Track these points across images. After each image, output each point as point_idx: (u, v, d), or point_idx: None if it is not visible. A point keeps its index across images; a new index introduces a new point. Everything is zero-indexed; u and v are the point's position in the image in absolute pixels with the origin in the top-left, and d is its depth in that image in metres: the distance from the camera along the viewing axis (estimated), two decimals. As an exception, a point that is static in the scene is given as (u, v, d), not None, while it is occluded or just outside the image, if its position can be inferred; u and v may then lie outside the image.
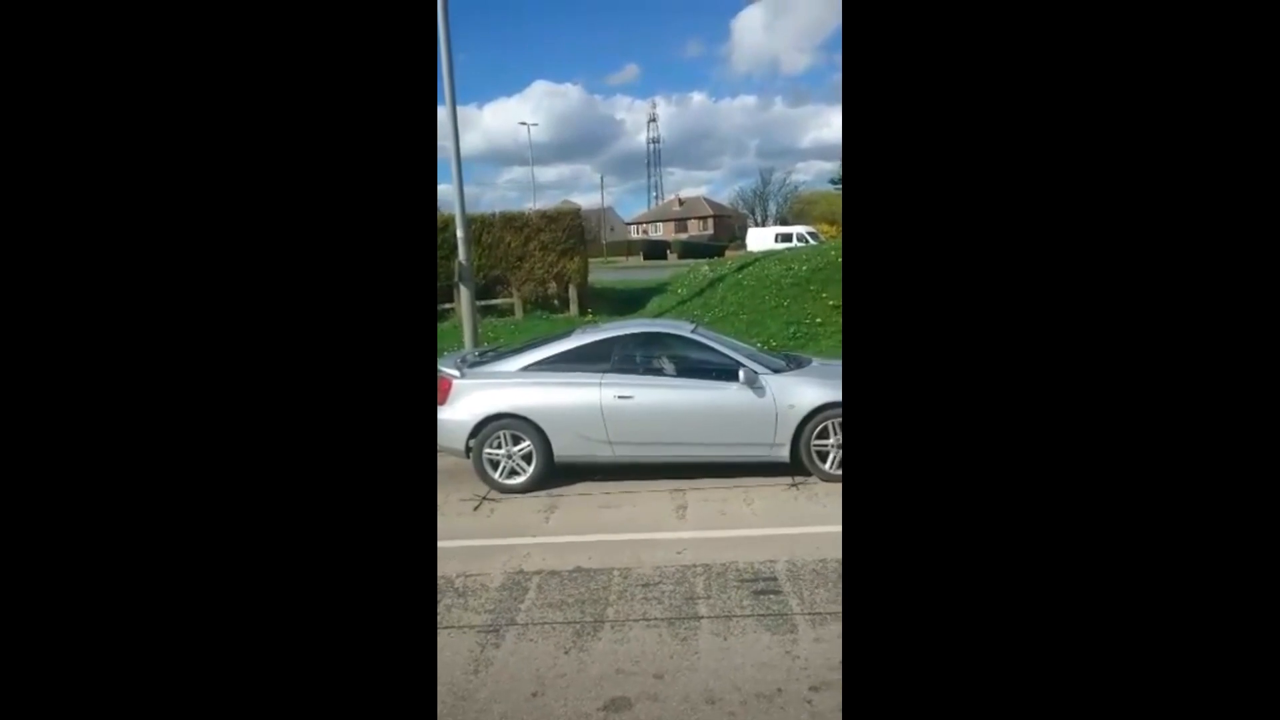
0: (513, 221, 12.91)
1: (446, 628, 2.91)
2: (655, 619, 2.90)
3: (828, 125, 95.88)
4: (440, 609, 3.07)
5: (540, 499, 4.47)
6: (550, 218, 13.14)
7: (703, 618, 2.89)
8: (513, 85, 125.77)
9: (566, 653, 2.69)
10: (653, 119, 73.32)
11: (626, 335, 4.94)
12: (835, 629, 2.74)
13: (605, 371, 4.63)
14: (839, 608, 2.89)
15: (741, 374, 4.47)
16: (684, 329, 5.11)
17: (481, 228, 12.45)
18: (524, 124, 68.83)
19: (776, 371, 4.62)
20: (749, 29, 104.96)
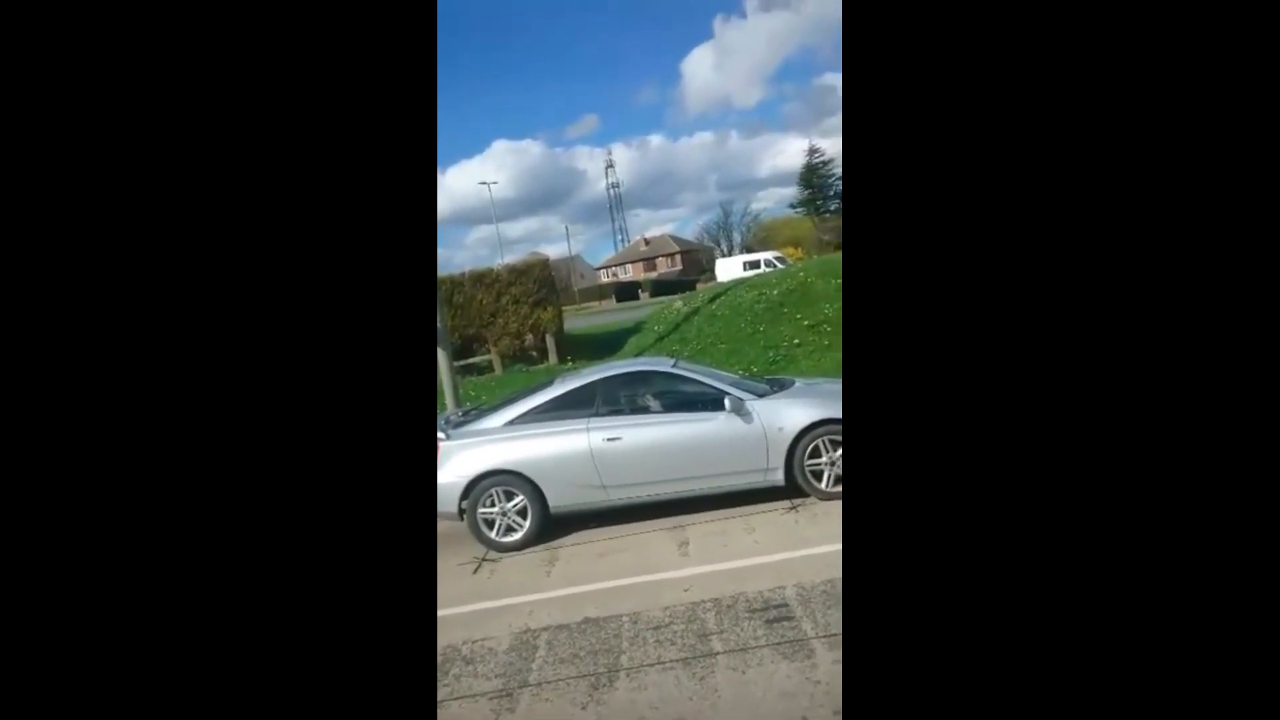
0: (482, 279, 12.95)
1: (458, 698, 2.81)
2: (670, 661, 2.83)
3: (782, 153, 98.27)
4: (449, 678, 2.98)
5: (540, 553, 4.39)
6: (519, 271, 13.21)
7: (718, 654, 2.83)
8: (473, 146, 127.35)
9: (584, 708, 2.61)
10: (610, 165, 74.93)
11: (608, 377, 4.93)
12: (853, 648, 2.69)
13: (591, 416, 4.61)
14: (854, 626, 2.85)
15: (727, 402, 4.47)
16: (664, 364, 5.12)
17: (452, 288, 12.47)
18: (484, 183, 69.65)
19: (761, 396, 4.63)
20: (698, 70, 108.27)
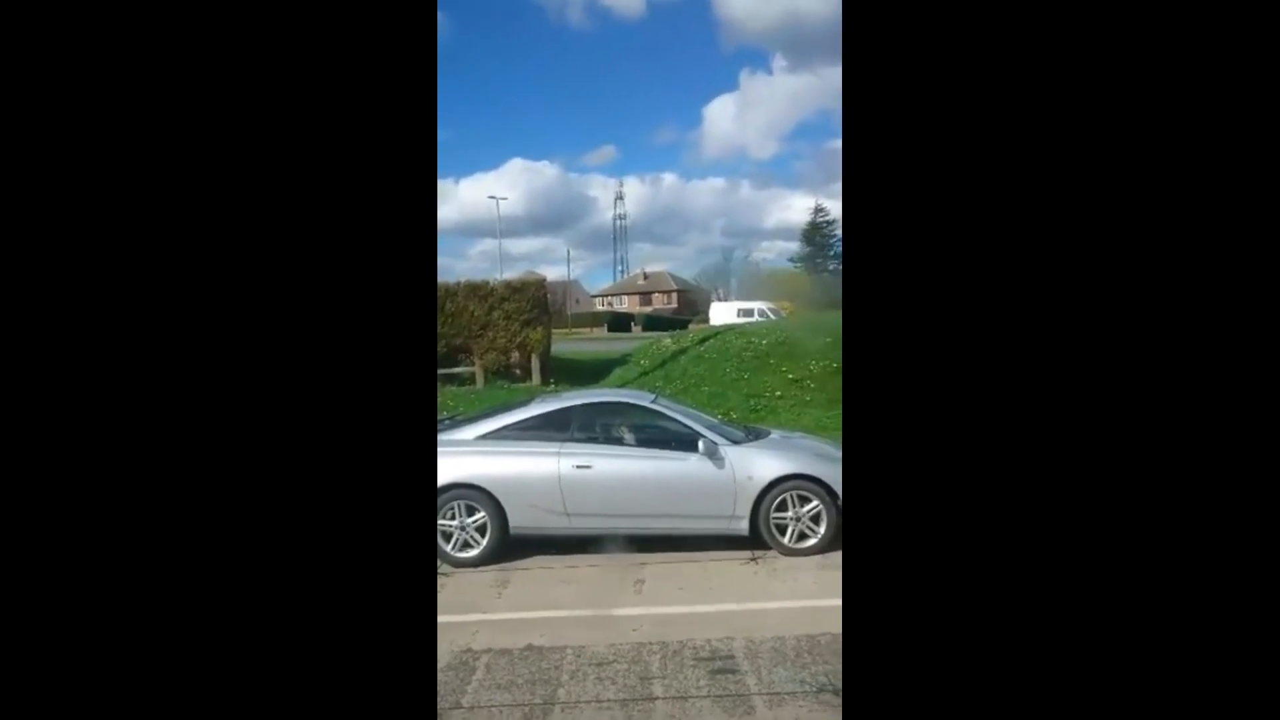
0: (477, 291, 12.94)
1: (386, 712, 2.74)
2: (608, 700, 2.78)
3: (790, 208, 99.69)
4: (381, 691, 2.90)
5: (492, 573, 4.32)
6: (514, 288, 13.23)
7: (658, 699, 2.78)
8: (490, 161, 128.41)
9: (513, 738, 2.54)
10: (619, 196, 75.38)
11: (586, 404, 4.92)
12: (793, 710, 2.66)
13: (564, 441, 4.58)
14: (797, 687, 2.81)
15: (701, 445, 4.46)
16: (644, 399, 5.12)
17: (445, 296, 12.45)
18: (493, 198, 70.18)
19: (736, 443, 4.62)
20: (720, 117, 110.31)
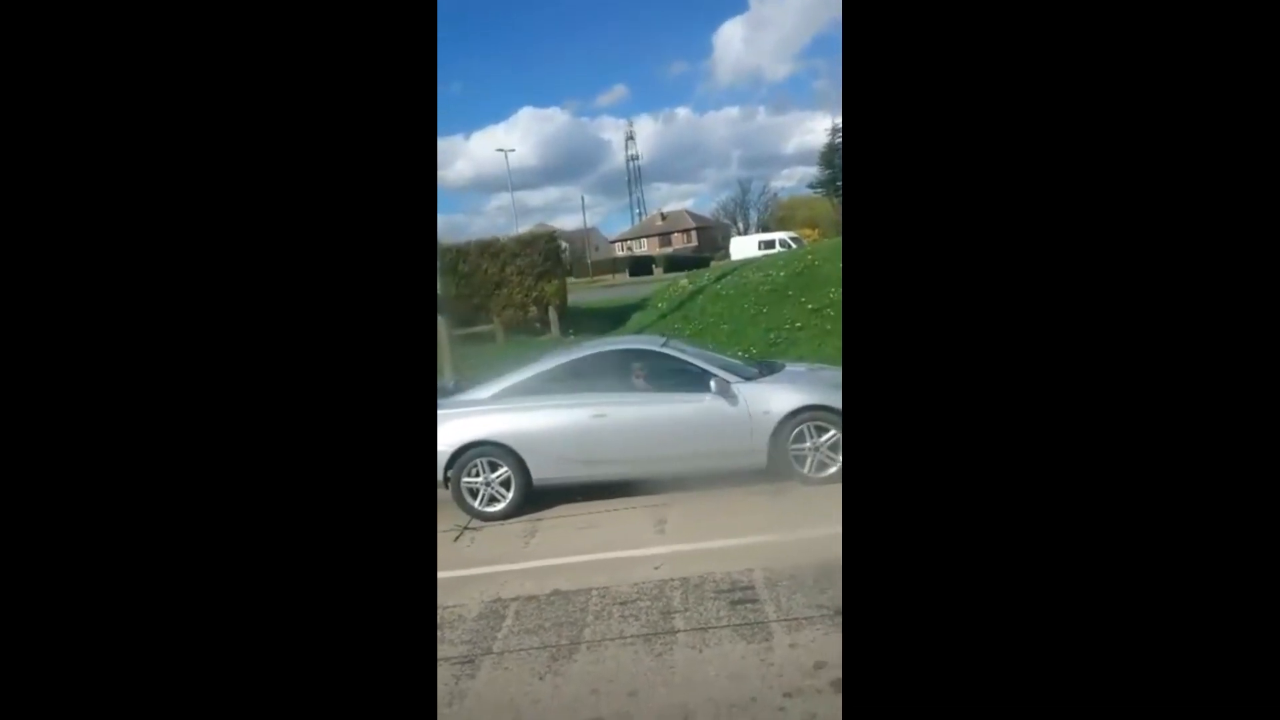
0: (489, 248, 12.94)
1: (422, 662, 2.88)
2: (631, 636, 2.88)
3: (811, 131, 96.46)
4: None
5: (520, 524, 4.45)
6: (526, 242, 13.19)
7: (679, 631, 2.87)
8: (500, 112, 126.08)
9: (541, 678, 2.66)
10: (630, 137, 73.64)
11: (596, 354, 4.96)
12: (810, 634, 2.73)
13: (579, 391, 4.63)
14: (814, 612, 2.88)
15: (713, 384, 4.47)
16: (654, 343, 5.13)
17: (457, 256, 12.47)
18: (501, 150, 68.94)
19: (749, 379, 4.63)
20: (729, 43, 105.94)
